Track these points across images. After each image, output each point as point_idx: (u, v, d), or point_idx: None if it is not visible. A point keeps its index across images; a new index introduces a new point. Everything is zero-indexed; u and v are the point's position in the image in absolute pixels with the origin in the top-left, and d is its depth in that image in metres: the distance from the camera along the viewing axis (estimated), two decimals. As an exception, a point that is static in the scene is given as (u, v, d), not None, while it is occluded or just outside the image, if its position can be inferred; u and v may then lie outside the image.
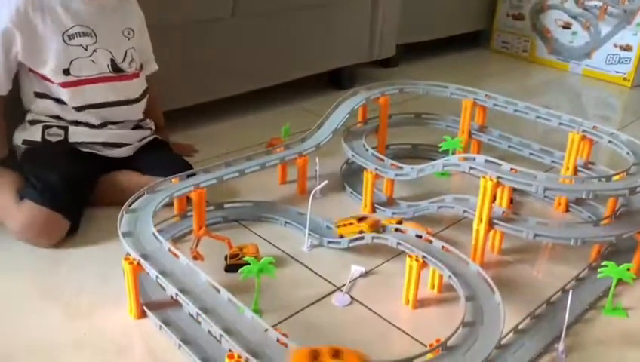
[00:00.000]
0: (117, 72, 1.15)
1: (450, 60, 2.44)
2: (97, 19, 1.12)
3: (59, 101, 1.12)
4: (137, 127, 1.24)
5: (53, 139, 1.13)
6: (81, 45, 1.10)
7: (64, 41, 1.08)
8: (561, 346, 0.86)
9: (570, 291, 0.87)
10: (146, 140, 1.24)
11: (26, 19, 1.05)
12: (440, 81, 1.45)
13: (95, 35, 1.11)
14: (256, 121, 1.49)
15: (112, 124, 1.18)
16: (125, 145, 1.20)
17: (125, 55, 1.17)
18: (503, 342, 0.83)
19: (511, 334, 0.86)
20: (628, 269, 0.92)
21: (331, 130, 1.30)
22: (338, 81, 1.95)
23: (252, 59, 1.62)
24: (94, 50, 1.11)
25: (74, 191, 1.07)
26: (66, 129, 1.14)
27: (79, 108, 1.13)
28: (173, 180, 1.06)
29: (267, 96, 1.76)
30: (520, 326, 0.87)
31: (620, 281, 0.95)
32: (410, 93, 1.45)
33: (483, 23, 2.58)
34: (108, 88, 1.15)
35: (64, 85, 1.10)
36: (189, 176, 1.09)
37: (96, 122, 1.16)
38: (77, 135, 1.15)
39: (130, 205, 0.96)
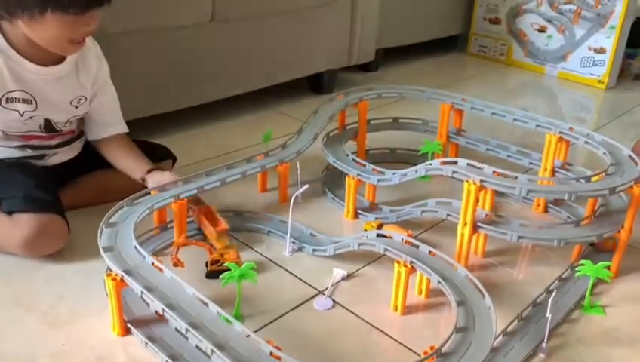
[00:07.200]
0: (50, 132, 1.08)
1: (428, 64, 2.46)
2: (44, 87, 1.03)
3: None
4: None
5: None
6: (17, 111, 1.02)
7: (0, 103, 1.00)
8: (544, 345, 0.87)
9: (554, 292, 0.88)
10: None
11: None
12: (418, 85, 1.45)
13: (36, 102, 1.02)
14: (236, 127, 1.48)
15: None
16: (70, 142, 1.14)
17: (67, 122, 1.10)
18: (493, 345, 0.83)
19: (500, 337, 0.86)
20: (607, 268, 0.93)
21: (312, 137, 1.30)
22: (318, 85, 1.95)
23: (231, 64, 1.61)
24: (30, 117, 1.04)
25: (52, 191, 1.04)
26: None
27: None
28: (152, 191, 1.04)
29: (247, 101, 1.75)
30: (509, 329, 0.87)
31: (600, 280, 0.96)
32: (389, 98, 1.46)
33: (460, 27, 2.60)
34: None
35: None
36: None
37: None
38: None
39: (109, 218, 0.94)
